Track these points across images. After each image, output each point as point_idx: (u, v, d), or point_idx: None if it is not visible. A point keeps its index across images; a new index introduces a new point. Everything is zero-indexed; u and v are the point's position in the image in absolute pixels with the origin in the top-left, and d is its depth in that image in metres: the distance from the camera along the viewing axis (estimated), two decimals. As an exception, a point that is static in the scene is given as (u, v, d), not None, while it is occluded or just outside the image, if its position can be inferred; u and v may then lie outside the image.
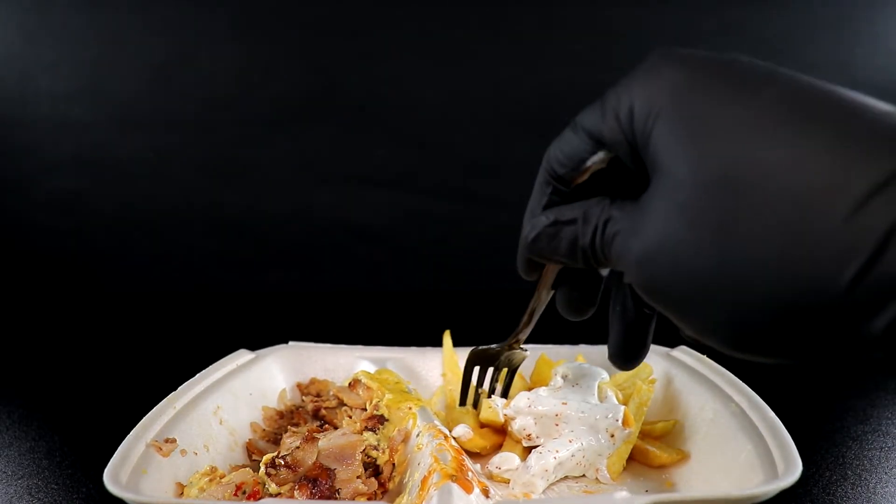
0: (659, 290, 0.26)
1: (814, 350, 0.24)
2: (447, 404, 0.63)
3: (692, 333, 0.27)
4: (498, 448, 0.57)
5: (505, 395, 0.58)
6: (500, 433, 0.58)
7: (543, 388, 0.56)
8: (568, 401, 0.54)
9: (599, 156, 0.30)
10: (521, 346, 0.54)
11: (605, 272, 0.38)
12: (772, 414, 0.48)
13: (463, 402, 0.59)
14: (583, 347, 0.66)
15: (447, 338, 0.66)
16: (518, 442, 0.55)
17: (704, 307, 0.25)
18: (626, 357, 0.36)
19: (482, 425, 0.58)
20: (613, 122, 0.28)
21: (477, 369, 0.57)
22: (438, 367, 0.66)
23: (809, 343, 0.23)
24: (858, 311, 0.22)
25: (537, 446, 0.53)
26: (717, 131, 0.24)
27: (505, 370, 0.57)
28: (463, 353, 0.64)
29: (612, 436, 0.53)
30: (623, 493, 0.40)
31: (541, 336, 0.56)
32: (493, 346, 0.55)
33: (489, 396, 0.58)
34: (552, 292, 0.42)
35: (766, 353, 0.25)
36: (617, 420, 0.53)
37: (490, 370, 0.57)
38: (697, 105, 0.25)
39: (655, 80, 0.26)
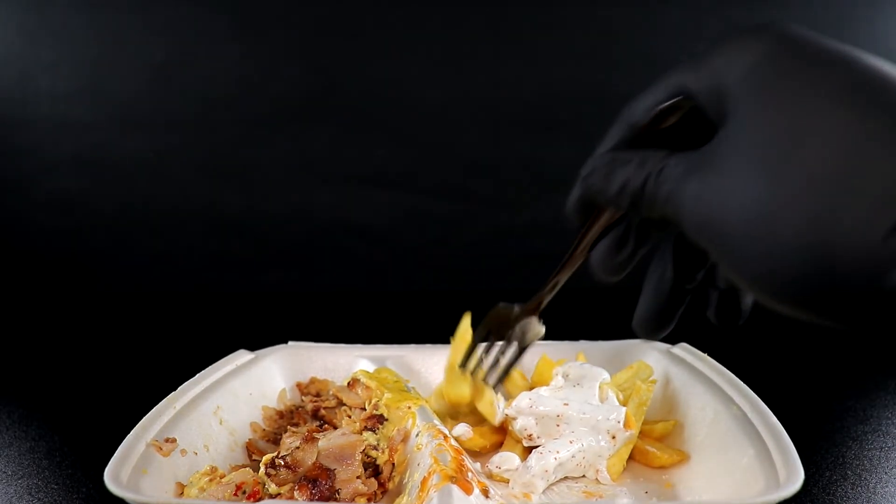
0: (708, 224, 0.27)
1: (845, 308, 0.25)
2: (449, 364, 0.61)
3: (733, 273, 0.28)
4: (498, 447, 0.57)
5: (507, 371, 0.55)
6: (501, 432, 0.58)
7: (545, 387, 0.56)
8: (569, 401, 0.54)
9: (674, 101, 0.32)
10: (540, 317, 0.51)
11: (642, 251, 0.38)
12: (774, 419, 0.48)
13: (464, 364, 0.56)
14: (583, 344, 0.66)
15: (466, 317, 0.64)
16: (518, 441, 0.55)
17: (750, 248, 0.26)
18: (652, 326, 0.36)
19: (477, 421, 0.57)
20: (707, 78, 0.30)
21: (483, 354, 0.54)
22: (438, 364, 0.66)
23: (842, 299, 0.24)
24: (887, 261, 0.23)
25: (538, 446, 0.53)
26: (793, 90, 0.26)
27: (515, 346, 0.53)
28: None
29: (614, 437, 0.53)
30: (623, 501, 0.40)
31: None
32: (515, 306, 0.52)
33: (486, 377, 0.55)
34: (587, 255, 0.41)
35: (794, 304, 0.26)
36: (619, 422, 0.53)
37: (498, 346, 0.53)
38: (778, 72, 0.27)
39: (748, 47, 0.28)
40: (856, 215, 0.23)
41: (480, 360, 0.56)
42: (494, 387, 0.56)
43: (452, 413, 0.60)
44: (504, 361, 0.54)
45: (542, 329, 0.53)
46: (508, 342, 0.53)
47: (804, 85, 0.26)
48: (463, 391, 0.56)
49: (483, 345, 0.55)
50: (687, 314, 0.39)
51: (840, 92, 0.25)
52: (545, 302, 0.49)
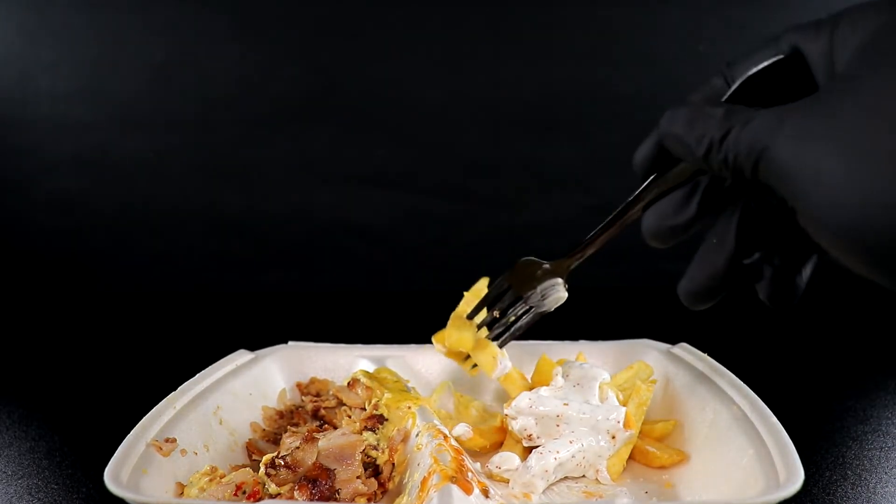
0: (804, 163, 0.26)
1: None
2: (455, 312, 0.59)
3: (817, 219, 0.26)
4: (498, 447, 0.57)
5: (515, 336, 0.53)
6: (501, 432, 0.58)
7: (545, 388, 0.56)
8: (569, 402, 0.54)
9: (778, 57, 0.31)
10: (566, 284, 0.49)
11: (700, 223, 0.37)
12: (774, 419, 0.48)
13: (472, 315, 0.54)
14: (583, 344, 0.66)
15: (483, 280, 0.61)
16: (518, 441, 0.55)
17: (854, 194, 0.24)
18: (699, 295, 0.35)
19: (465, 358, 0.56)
20: (821, 36, 0.29)
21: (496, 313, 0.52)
22: (438, 363, 0.66)
23: None
24: None
25: (538, 446, 0.53)
26: None
27: (531, 312, 0.50)
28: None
29: (613, 437, 0.53)
30: (624, 501, 0.40)
31: (540, 332, 0.55)
32: (545, 263, 0.49)
33: (495, 338, 0.54)
34: (640, 214, 0.39)
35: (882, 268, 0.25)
36: (618, 422, 0.52)
37: (517, 311, 0.51)
38: None
39: (878, 12, 0.27)
40: None
41: (493, 319, 0.52)
42: (500, 345, 0.54)
43: (453, 358, 0.57)
44: (516, 322, 0.51)
45: (564, 294, 0.49)
46: (526, 303, 0.50)
47: None
48: (465, 338, 0.53)
49: (493, 310, 0.52)
50: (687, 314, 0.38)
51: None
52: (575, 264, 0.46)
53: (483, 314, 0.54)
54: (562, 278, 0.48)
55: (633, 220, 0.40)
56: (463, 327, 0.54)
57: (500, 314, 0.52)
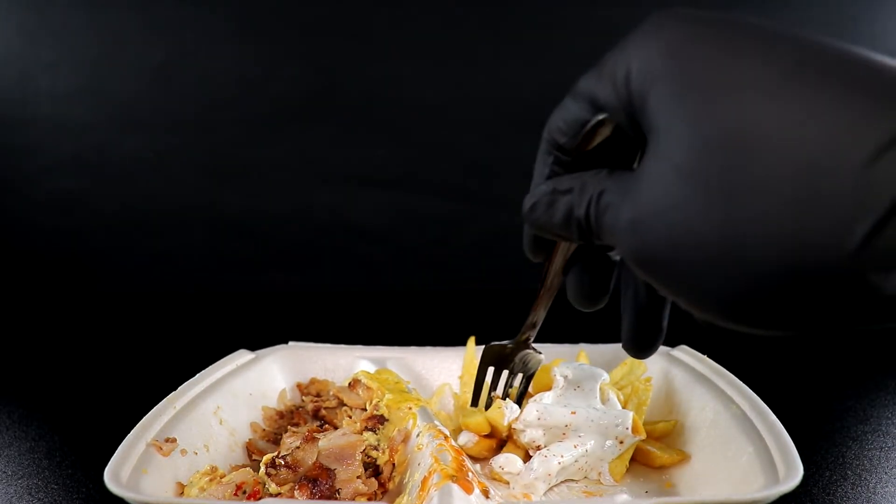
0: (650, 258, 0.25)
1: (820, 319, 0.22)
2: (459, 405, 0.62)
3: (686, 305, 0.25)
4: (498, 451, 0.56)
5: (519, 402, 0.56)
6: (500, 440, 0.57)
7: (548, 393, 0.56)
8: (576, 410, 0.53)
9: (598, 118, 0.29)
10: (534, 347, 0.52)
11: (617, 256, 0.36)
12: (773, 417, 0.48)
13: (475, 403, 0.57)
14: (583, 346, 0.66)
15: (471, 343, 0.66)
16: (520, 446, 0.55)
17: (701, 274, 0.23)
18: (640, 345, 0.34)
19: (485, 434, 0.57)
20: (610, 87, 0.27)
21: (491, 371, 0.55)
22: (438, 366, 0.66)
23: (815, 311, 0.22)
24: (870, 272, 0.20)
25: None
26: (719, 89, 0.23)
27: (520, 375, 0.55)
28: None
29: (622, 442, 0.53)
30: (623, 497, 0.40)
31: (541, 335, 0.55)
32: (507, 343, 0.53)
33: (503, 399, 0.57)
34: (560, 285, 0.40)
35: (767, 324, 0.23)
36: (627, 428, 0.52)
37: (505, 373, 0.54)
38: (698, 63, 0.23)
39: (653, 39, 0.25)
40: (824, 231, 0.20)
41: (490, 392, 0.56)
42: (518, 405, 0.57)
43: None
44: (515, 390, 0.56)
45: (541, 357, 0.54)
46: (513, 373, 0.54)
47: (725, 85, 0.22)
48: (481, 422, 0.57)
49: (489, 377, 0.55)
50: (686, 317, 0.38)
51: (771, 82, 0.22)
52: (532, 336, 0.50)
53: (484, 396, 0.57)
54: (529, 349, 0.52)
55: (557, 287, 0.42)
56: (472, 413, 0.58)
57: (495, 388, 0.56)
